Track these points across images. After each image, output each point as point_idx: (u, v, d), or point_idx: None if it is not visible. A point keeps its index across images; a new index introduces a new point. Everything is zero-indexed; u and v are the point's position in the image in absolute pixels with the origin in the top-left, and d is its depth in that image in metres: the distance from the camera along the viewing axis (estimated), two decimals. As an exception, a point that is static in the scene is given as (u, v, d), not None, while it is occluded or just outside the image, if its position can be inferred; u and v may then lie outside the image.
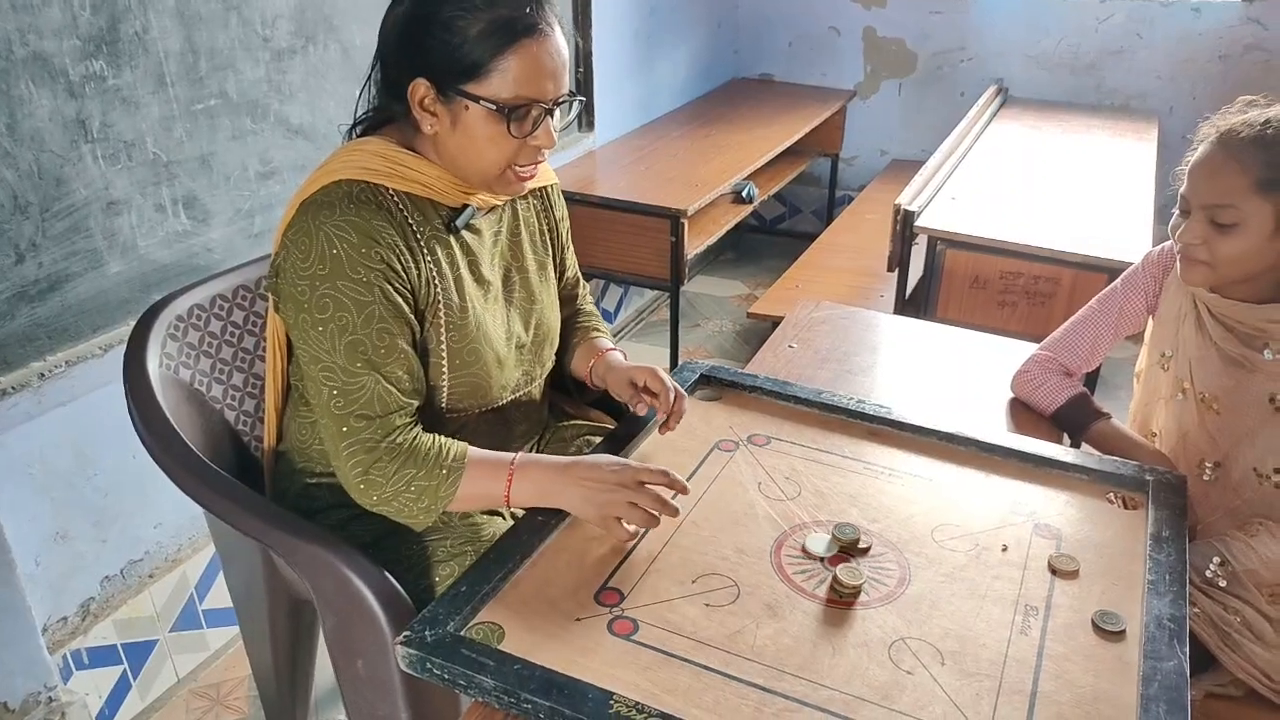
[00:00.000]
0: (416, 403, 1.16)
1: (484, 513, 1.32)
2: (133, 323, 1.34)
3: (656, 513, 1.10)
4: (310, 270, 1.10)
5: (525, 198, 1.36)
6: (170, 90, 1.70)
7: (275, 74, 1.90)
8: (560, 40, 1.13)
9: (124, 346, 1.31)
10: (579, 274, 1.52)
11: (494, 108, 1.10)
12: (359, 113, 1.23)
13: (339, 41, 2.02)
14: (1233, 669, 1.22)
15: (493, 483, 1.14)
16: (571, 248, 1.48)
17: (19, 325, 1.54)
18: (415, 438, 1.13)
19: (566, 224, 1.44)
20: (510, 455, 1.16)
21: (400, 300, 1.13)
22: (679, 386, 1.31)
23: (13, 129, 1.47)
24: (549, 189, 1.40)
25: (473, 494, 1.14)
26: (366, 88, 1.21)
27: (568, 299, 1.48)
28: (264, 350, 1.44)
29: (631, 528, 1.11)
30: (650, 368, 1.31)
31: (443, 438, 1.16)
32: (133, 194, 1.68)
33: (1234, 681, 1.23)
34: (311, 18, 1.95)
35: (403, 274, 1.13)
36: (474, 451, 1.15)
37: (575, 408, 1.59)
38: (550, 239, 1.41)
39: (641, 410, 1.31)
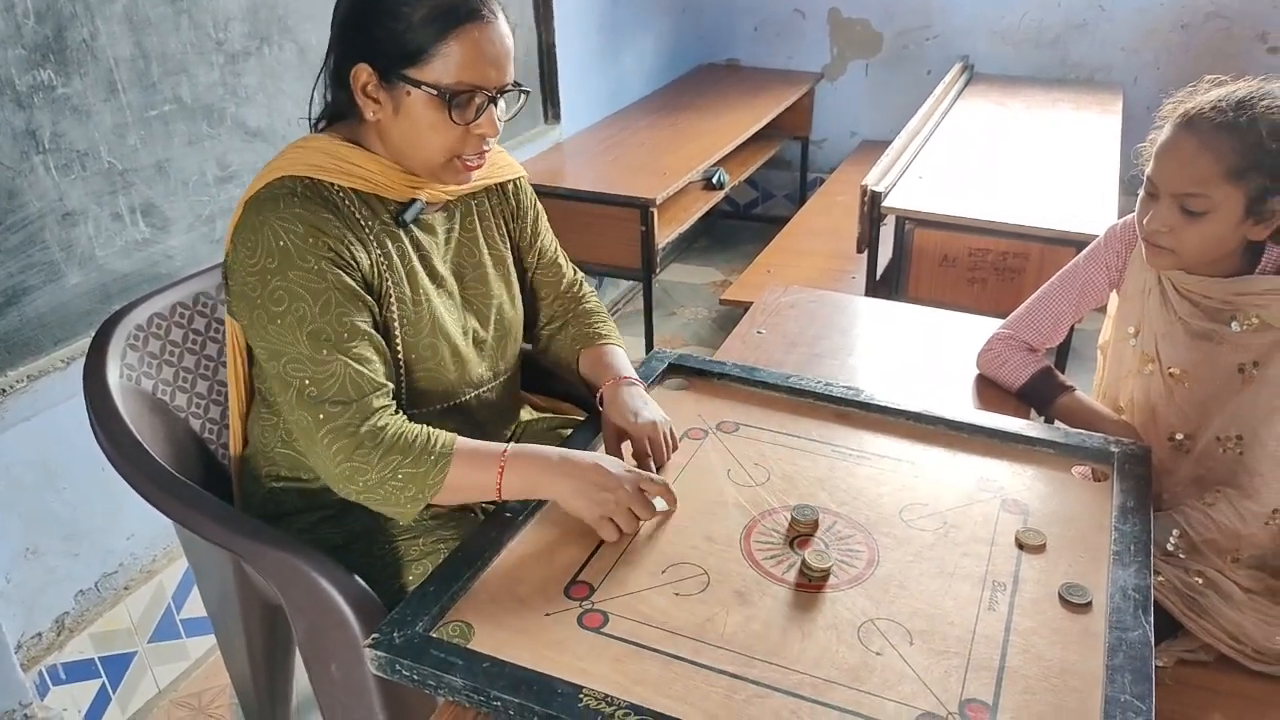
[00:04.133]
0: (391, 385, 1.14)
1: (457, 510, 1.31)
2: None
3: (646, 519, 1.11)
4: (259, 265, 1.09)
5: (484, 192, 1.34)
6: (122, 97, 1.68)
7: (230, 77, 1.87)
8: (504, 28, 1.13)
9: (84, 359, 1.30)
10: (568, 264, 1.47)
11: (435, 93, 1.10)
12: (313, 110, 1.22)
13: (294, 42, 2.00)
14: (1200, 635, 1.23)
15: (484, 473, 1.10)
16: (550, 235, 1.44)
17: (-23, 341, 1.53)
18: (400, 425, 1.10)
19: (536, 213, 1.41)
20: (500, 446, 1.13)
21: (353, 283, 1.12)
22: (675, 439, 1.27)
23: (-40, 142, 1.45)
24: (515, 182, 1.38)
25: (462, 484, 1.10)
26: (319, 83, 1.20)
27: (554, 286, 1.44)
28: (226, 357, 1.44)
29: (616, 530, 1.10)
30: (650, 431, 1.23)
31: (428, 427, 1.12)
32: (88, 204, 1.66)
33: (1203, 647, 1.24)
34: (265, 19, 1.93)
35: (351, 262, 1.12)
36: (462, 441, 1.12)
37: (546, 401, 1.59)
38: (512, 233, 1.39)
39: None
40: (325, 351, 1.08)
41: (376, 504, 1.11)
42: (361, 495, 1.10)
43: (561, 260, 1.46)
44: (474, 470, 1.10)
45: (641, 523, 1.12)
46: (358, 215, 1.16)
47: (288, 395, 1.10)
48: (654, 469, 1.22)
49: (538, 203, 1.43)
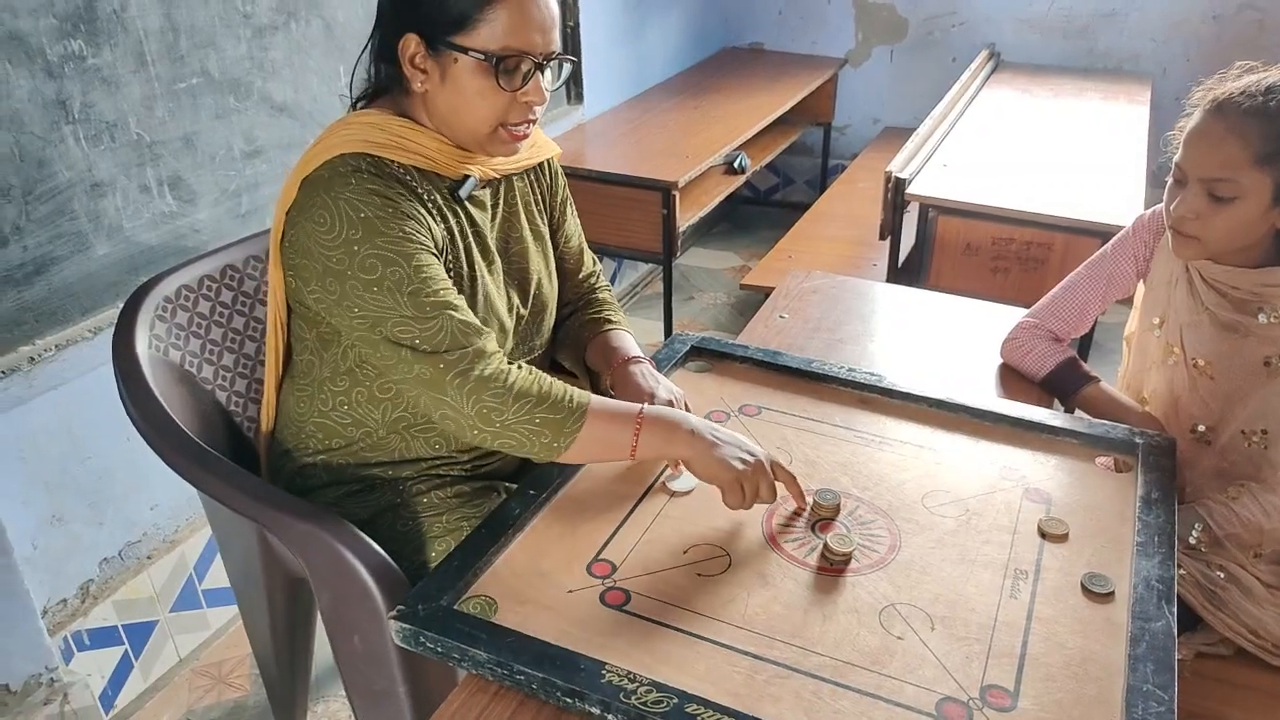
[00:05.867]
0: (492, 331, 1.16)
1: (480, 487, 1.32)
2: (121, 305, 1.34)
3: (768, 501, 1.12)
4: (342, 238, 1.09)
5: (524, 173, 1.34)
6: (151, 69, 1.68)
7: (257, 51, 1.88)
8: None
9: (113, 329, 1.31)
10: (589, 254, 1.49)
11: (482, 58, 1.10)
12: (354, 86, 1.22)
13: (321, 17, 2.00)
14: (1220, 629, 1.23)
15: (620, 431, 1.10)
16: (575, 221, 1.46)
17: (6, 309, 1.54)
18: (530, 371, 1.11)
19: (565, 196, 1.43)
20: (635, 405, 1.13)
21: (434, 247, 1.14)
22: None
23: (-8, 111, 1.46)
24: (550, 161, 1.39)
25: (597, 438, 1.10)
26: (362, 59, 1.20)
27: (573, 274, 1.46)
28: (254, 331, 1.45)
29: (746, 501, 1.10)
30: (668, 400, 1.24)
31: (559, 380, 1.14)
32: (117, 175, 1.67)
33: (1223, 640, 1.24)
34: (293, -7, 1.93)
35: (427, 232, 1.14)
36: (596, 397, 1.13)
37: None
38: (549, 211, 1.40)
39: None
40: (429, 309, 1.09)
41: (512, 446, 1.11)
42: (498, 438, 1.10)
43: (584, 249, 1.47)
44: (610, 427, 1.11)
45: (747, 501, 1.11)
46: (420, 190, 1.17)
47: (400, 355, 1.10)
48: None
49: (567, 187, 1.43)
